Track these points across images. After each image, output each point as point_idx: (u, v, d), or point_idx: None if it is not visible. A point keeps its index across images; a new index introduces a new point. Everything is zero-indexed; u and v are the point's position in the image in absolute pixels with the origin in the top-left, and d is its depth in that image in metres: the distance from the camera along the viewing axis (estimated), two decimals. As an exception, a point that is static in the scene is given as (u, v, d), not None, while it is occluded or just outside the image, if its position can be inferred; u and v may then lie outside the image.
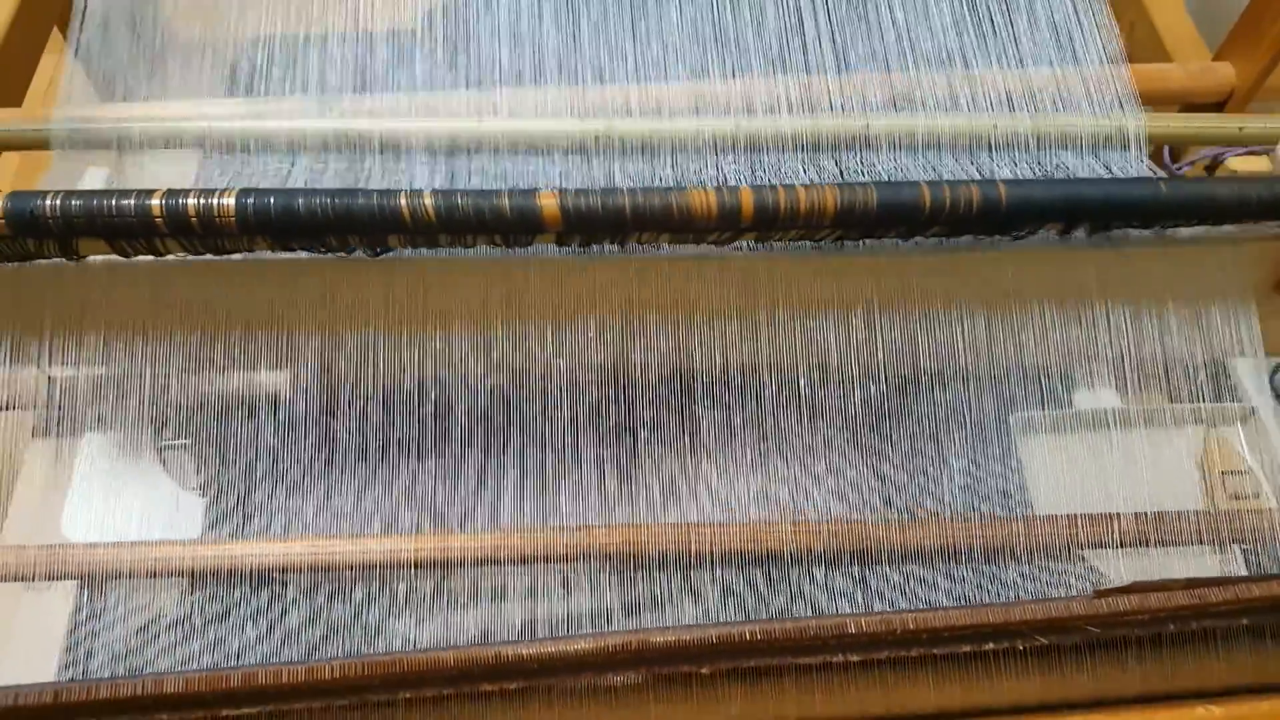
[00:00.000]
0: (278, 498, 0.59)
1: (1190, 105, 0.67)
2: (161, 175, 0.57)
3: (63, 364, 0.53)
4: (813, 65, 0.58)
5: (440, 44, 0.59)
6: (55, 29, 0.69)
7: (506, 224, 0.46)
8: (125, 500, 0.59)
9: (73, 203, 0.46)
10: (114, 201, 0.46)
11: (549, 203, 0.46)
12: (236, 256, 0.50)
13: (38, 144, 0.56)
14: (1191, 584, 0.46)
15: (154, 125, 0.55)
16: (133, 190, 0.46)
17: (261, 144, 0.56)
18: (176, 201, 0.45)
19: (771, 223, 0.47)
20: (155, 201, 0.45)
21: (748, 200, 0.46)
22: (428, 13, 0.60)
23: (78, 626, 0.58)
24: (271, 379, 0.58)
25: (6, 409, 0.56)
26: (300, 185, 0.54)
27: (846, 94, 0.57)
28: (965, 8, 0.61)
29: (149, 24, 0.60)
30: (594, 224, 0.47)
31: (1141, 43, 0.71)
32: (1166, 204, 0.49)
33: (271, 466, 0.59)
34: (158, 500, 0.60)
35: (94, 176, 0.59)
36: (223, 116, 0.56)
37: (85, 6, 0.58)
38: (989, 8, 0.61)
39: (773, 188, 0.47)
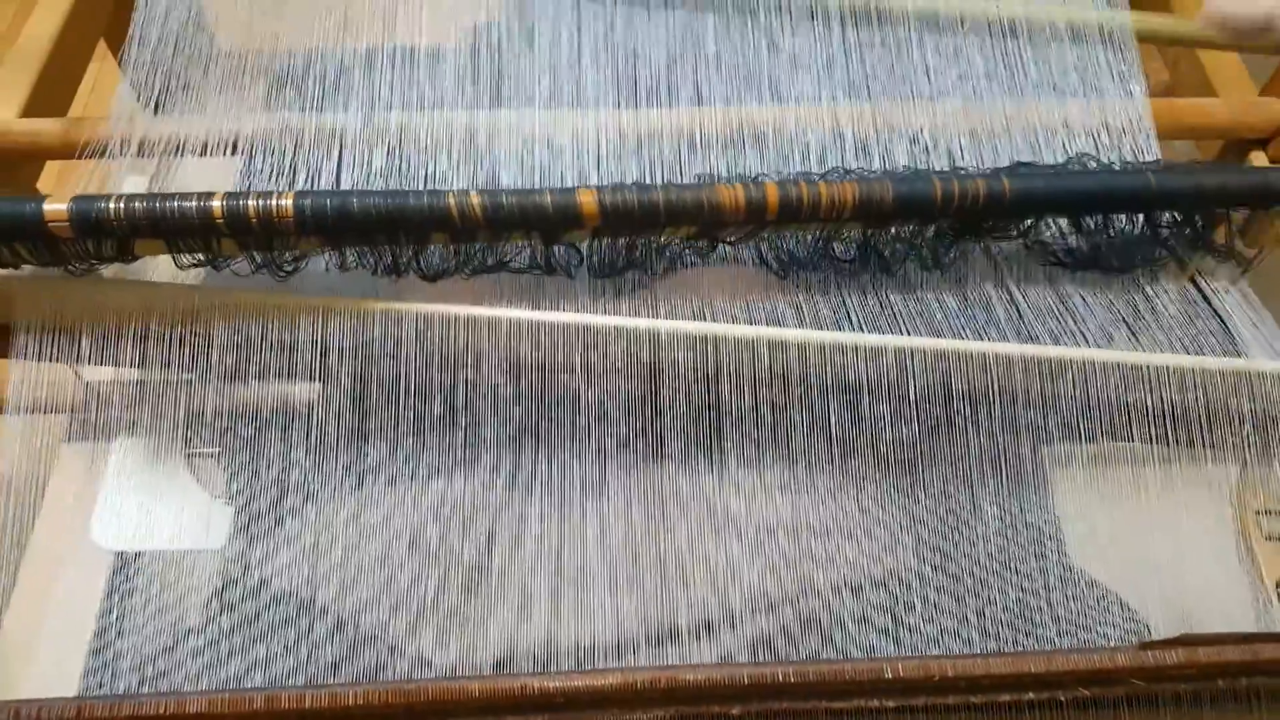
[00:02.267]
0: (306, 511, 0.59)
1: (1235, 140, 0.66)
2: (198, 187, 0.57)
3: (97, 368, 0.54)
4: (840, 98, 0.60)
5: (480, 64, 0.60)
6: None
7: (548, 220, 0.49)
8: (154, 506, 0.59)
9: (136, 205, 0.48)
10: (176, 204, 0.48)
11: (587, 199, 0.48)
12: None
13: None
14: (1245, 639, 0.44)
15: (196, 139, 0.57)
16: (193, 193, 0.48)
17: (303, 159, 0.57)
18: (237, 203, 0.48)
19: (795, 214, 0.49)
20: (216, 204, 0.48)
21: (773, 194, 0.49)
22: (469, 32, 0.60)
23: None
24: (303, 394, 0.58)
25: (40, 412, 0.56)
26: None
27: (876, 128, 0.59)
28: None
29: (197, 41, 0.60)
30: (630, 218, 0.49)
31: (1186, 78, 0.70)
32: (1155, 192, 0.52)
33: (300, 480, 0.59)
34: (186, 507, 0.60)
35: (133, 185, 0.59)
36: (264, 132, 0.57)
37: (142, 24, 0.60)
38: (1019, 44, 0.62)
39: (795, 182, 0.49)
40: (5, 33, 0.65)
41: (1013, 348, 0.53)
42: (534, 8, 0.61)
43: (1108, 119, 0.60)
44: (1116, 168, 0.57)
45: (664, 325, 0.52)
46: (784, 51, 0.61)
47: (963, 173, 0.53)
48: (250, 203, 0.48)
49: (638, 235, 0.52)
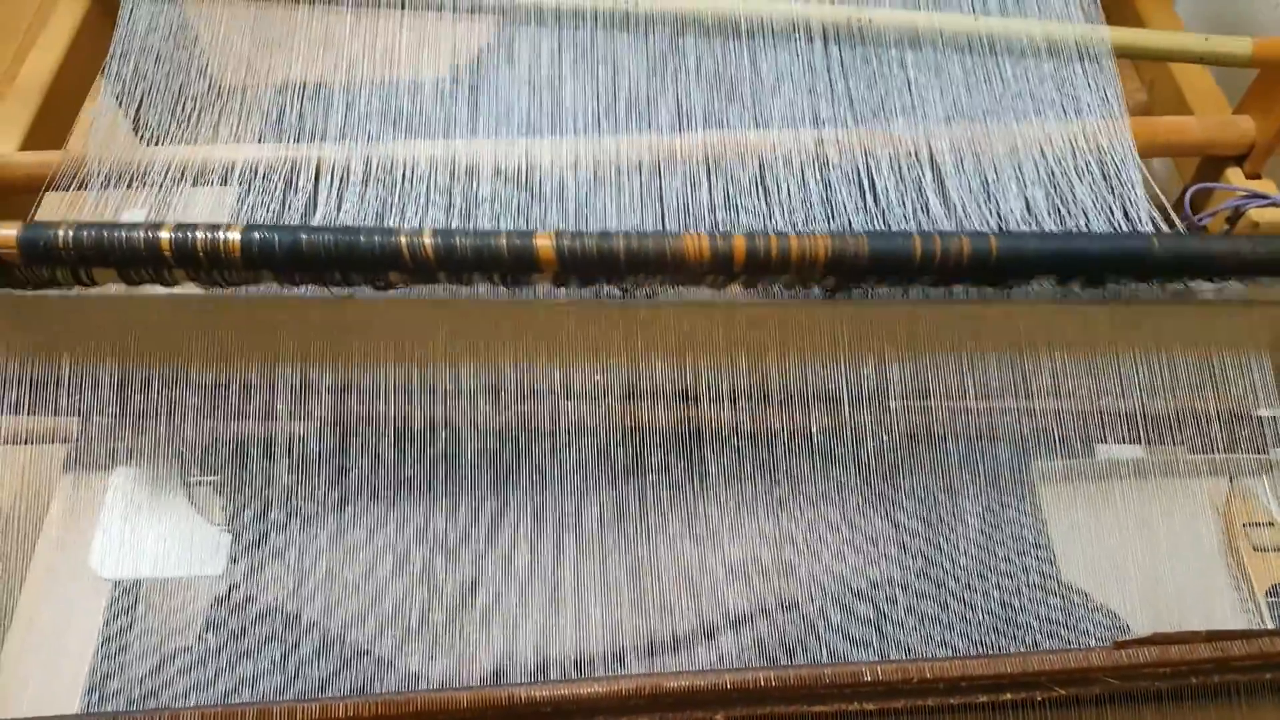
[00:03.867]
0: (292, 533, 0.59)
1: (1210, 158, 0.67)
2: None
3: (92, 398, 0.55)
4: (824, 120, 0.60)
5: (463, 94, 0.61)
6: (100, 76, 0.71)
7: (503, 264, 0.48)
8: (153, 534, 0.60)
9: (85, 234, 0.47)
10: (124, 234, 0.47)
11: (544, 244, 0.47)
12: (251, 292, 0.52)
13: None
14: (1213, 636, 0.45)
15: (188, 168, 0.57)
16: (142, 223, 0.48)
17: (292, 185, 0.57)
18: (185, 235, 0.47)
19: (763, 269, 0.48)
20: (164, 235, 0.47)
21: (740, 246, 0.48)
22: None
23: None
24: (285, 417, 0.59)
25: (39, 443, 0.57)
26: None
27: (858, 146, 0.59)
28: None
29: (186, 71, 0.62)
30: (589, 266, 0.48)
31: (1162, 97, 0.72)
32: (1160, 260, 0.50)
33: (286, 504, 0.60)
34: (184, 535, 0.60)
35: (133, 219, 0.60)
36: (255, 161, 0.58)
37: (121, 51, 0.61)
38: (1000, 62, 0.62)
39: (765, 235, 0.48)
40: (5, 72, 0.67)
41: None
42: (516, 37, 0.63)
43: (1086, 131, 0.60)
44: (1118, 229, 0.56)
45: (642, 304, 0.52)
46: (764, 68, 0.61)
47: (946, 231, 0.51)
48: (198, 235, 0.47)
49: (599, 281, 0.51)
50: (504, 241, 0.47)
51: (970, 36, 0.62)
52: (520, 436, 0.55)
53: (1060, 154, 0.59)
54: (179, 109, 0.61)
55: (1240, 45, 0.61)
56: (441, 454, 0.55)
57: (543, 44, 0.62)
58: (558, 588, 0.55)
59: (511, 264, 0.47)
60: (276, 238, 0.47)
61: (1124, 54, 0.64)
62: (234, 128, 0.61)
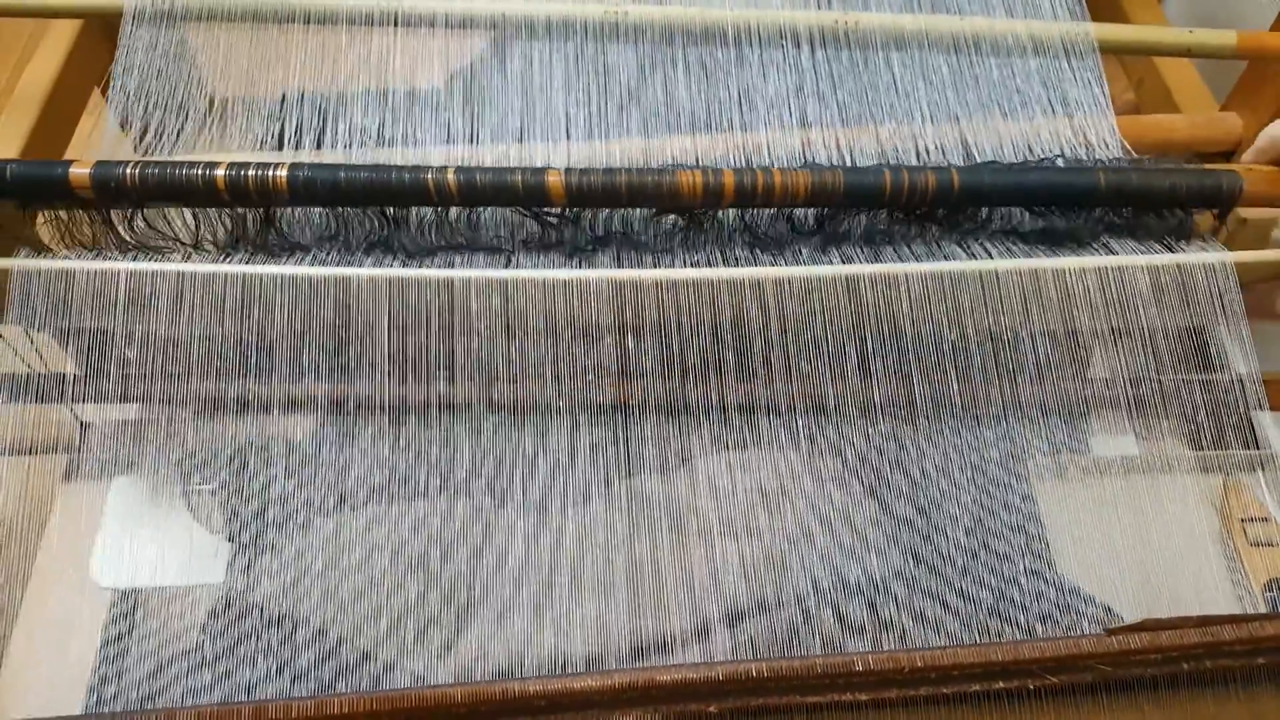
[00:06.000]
0: (289, 530, 0.60)
1: (1198, 155, 0.67)
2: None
3: (93, 408, 0.55)
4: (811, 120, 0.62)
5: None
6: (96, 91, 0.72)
7: (518, 198, 0.53)
8: (153, 543, 0.60)
9: (150, 171, 0.53)
10: (184, 171, 0.53)
11: (554, 179, 0.52)
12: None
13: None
14: (1204, 621, 0.45)
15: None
16: (200, 162, 0.54)
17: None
18: (238, 173, 0.53)
19: (750, 200, 0.53)
20: (220, 173, 0.53)
21: (729, 181, 0.52)
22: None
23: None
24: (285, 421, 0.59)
25: (38, 453, 0.57)
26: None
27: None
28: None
29: (185, 83, 0.63)
30: (593, 198, 0.53)
31: (1151, 96, 0.72)
32: (1105, 192, 0.55)
33: (284, 500, 0.60)
34: (184, 543, 0.61)
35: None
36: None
37: (124, 61, 0.62)
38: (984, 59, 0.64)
39: (751, 170, 0.53)
40: (5, 86, 0.67)
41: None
42: (509, 48, 0.63)
43: (1073, 124, 0.62)
44: (1083, 164, 0.59)
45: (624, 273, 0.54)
46: (753, 67, 0.63)
47: (915, 167, 0.56)
48: (250, 173, 0.53)
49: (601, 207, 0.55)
50: (519, 178, 0.52)
51: (956, 36, 0.64)
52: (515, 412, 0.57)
53: (1048, 150, 0.59)
54: (177, 118, 0.62)
55: (1225, 38, 0.62)
56: (436, 437, 0.57)
57: (535, 54, 0.63)
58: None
59: (526, 196, 0.52)
60: (319, 176, 0.53)
61: (1110, 49, 0.65)
62: (233, 136, 0.62)
